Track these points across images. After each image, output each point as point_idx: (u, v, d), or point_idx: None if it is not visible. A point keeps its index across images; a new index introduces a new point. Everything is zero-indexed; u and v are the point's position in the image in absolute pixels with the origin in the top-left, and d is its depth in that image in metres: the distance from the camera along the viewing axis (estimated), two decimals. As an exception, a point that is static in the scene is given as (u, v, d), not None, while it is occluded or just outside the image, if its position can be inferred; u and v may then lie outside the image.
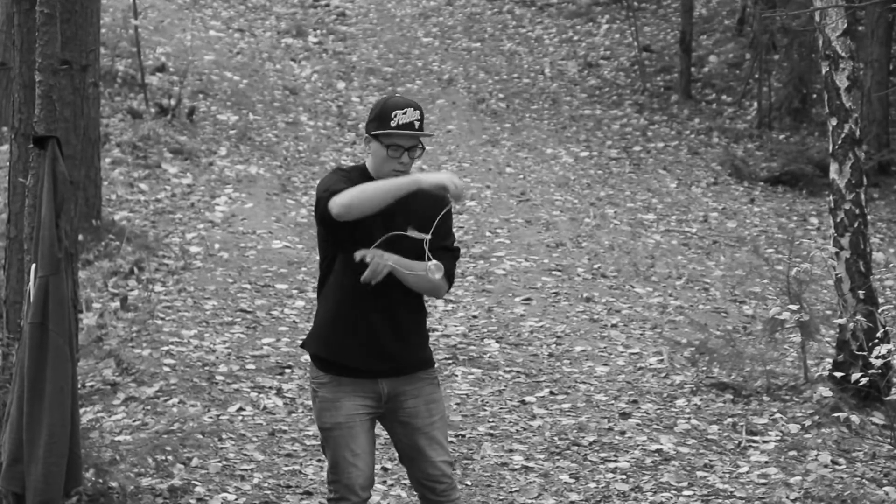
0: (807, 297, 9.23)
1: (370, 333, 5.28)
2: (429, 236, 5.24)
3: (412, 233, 5.24)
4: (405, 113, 5.24)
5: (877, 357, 7.31)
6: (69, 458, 5.59)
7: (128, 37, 17.21)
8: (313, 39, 21.57)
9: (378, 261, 5.16)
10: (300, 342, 6.18)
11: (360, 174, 5.31)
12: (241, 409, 8.36)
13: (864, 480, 7.45)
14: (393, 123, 5.23)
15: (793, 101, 18.04)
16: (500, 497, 7.27)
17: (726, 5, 22.29)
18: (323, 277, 5.38)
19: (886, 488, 7.32)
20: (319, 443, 5.51)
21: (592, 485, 7.42)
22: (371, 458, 5.37)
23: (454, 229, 5.52)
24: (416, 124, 5.25)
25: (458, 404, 8.66)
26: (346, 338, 5.29)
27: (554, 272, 12.03)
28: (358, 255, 5.15)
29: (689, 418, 8.51)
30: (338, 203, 5.08)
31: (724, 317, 10.99)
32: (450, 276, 5.34)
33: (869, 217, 8.94)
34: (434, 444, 5.39)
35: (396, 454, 5.55)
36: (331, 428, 5.33)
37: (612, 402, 8.84)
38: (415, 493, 5.70)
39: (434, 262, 5.19)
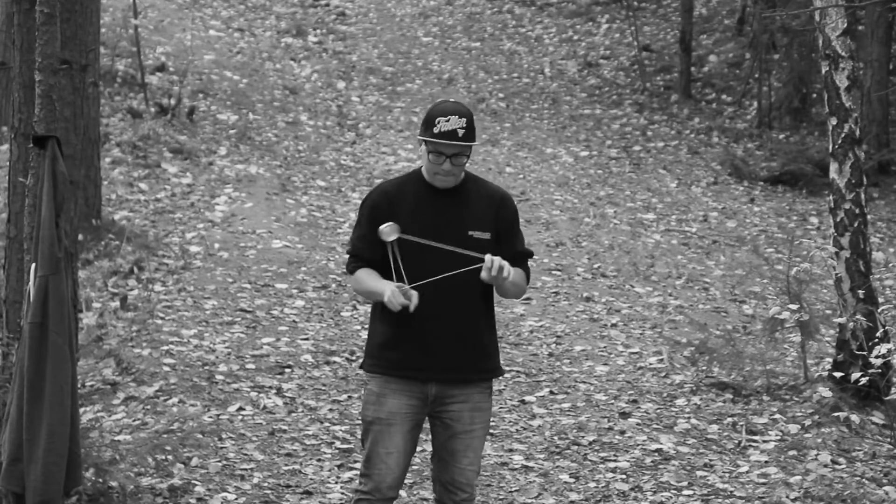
0: (807, 296, 9.23)
1: (427, 339, 5.29)
2: (487, 234, 5.30)
3: (475, 233, 5.30)
4: (448, 120, 5.25)
5: (877, 357, 7.31)
6: (69, 457, 5.59)
7: (128, 36, 17.21)
8: (313, 39, 21.56)
9: (493, 260, 5.21)
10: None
11: (415, 180, 5.38)
12: (240, 408, 8.36)
13: (863, 480, 7.46)
14: (436, 130, 5.25)
15: (793, 101, 18.03)
16: (500, 497, 7.27)
17: (726, 5, 22.28)
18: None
19: (886, 488, 7.32)
20: (360, 434, 5.55)
21: (592, 484, 7.42)
22: (405, 459, 5.39)
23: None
24: (460, 132, 5.25)
25: (457, 404, 8.66)
26: (401, 346, 5.32)
27: (554, 272, 12.03)
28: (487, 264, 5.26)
29: (689, 418, 8.51)
30: (353, 288, 5.57)
31: (724, 316, 10.99)
32: (527, 276, 5.45)
33: (869, 217, 8.94)
34: (469, 451, 5.41)
35: (427, 453, 5.58)
36: (371, 421, 5.37)
37: (612, 401, 8.84)
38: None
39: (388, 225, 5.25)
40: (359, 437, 5.54)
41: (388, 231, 5.26)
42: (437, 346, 5.29)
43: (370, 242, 5.32)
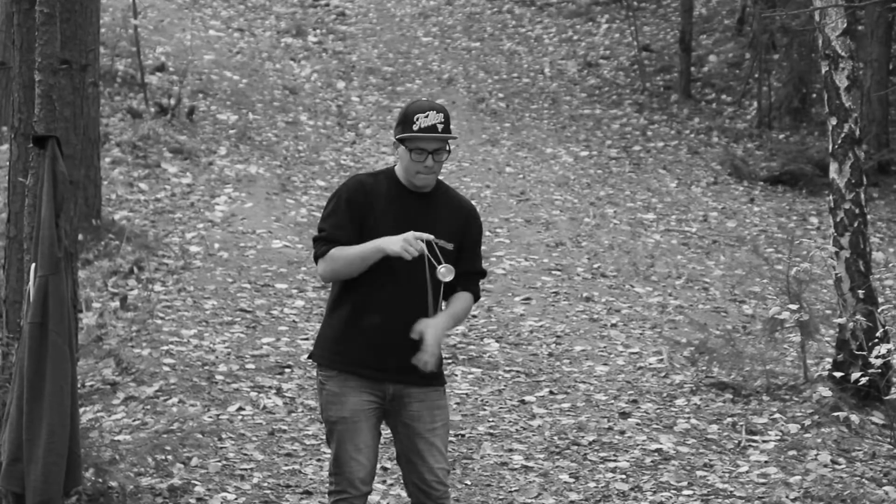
0: (806, 296, 9.23)
1: (384, 341, 5.30)
2: (450, 245, 5.31)
3: (441, 242, 5.29)
4: (427, 116, 5.26)
5: (876, 357, 7.31)
6: (69, 457, 5.59)
7: (127, 36, 17.21)
8: (313, 39, 21.56)
9: (435, 352, 5.28)
10: (306, 350, 6.17)
11: (387, 180, 5.36)
12: (240, 408, 8.36)
13: (863, 480, 7.46)
14: (415, 127, 5.26)
15: (792, 101, 18.03)
16: (500, 497, 7.27)
17: (726, 5, 22.28)
18: (341, 289, 5.39)
19: (886, 488, 7.32)
20: (324, 434, 5.53)
21: (592, 484, 7.42)
22: (374, 452, 5.40)
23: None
24: (440, 127, 5.27)
25: (457, 404, 8.66)
26: (358, 340, 5.31)
27: (554, 272, 12.03)
28: (415, 334, 5.26)
29: (689, 418, 8.51)
30: (321, 273, 5.35)
31: (724, 316, 10.99)
32: (475, 296, 5.47)
33: (869, 217, 8.94)
34: (433, 450, 5.40)
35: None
36: (335, 422, 5.36)
37: (612, 401, 8.84)
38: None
39: (444, 266, 5.23)
40: (325, 437, 5.52)
41: (445, 272, 5.26)
42: (393, 347, 5.29)
43: (350, 233, 5.27)
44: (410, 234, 5.19)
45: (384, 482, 7.33)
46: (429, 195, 5.38)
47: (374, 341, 5.30)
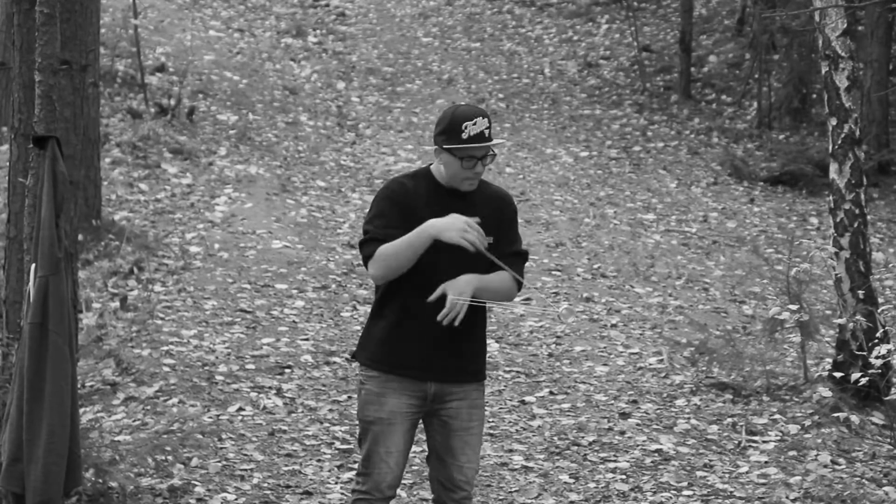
0: (806, 297, 9.23)
1: (428, 342, 5.27)
2: (489, 239, 5.28)
3: (486, 240, 5.28)
4: (475, 123, 5.22)
5: (876, 357, 7.31)
6: (69, 457, 5.59)
7: (127, 37, 17.21)
8: (313, 39, 21.57)
9: (456, 301, 5.20)
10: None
11: (426, 180, 5.33)
12: (240, 409, 8.36)
13: (863, 480, 7.46)
14: (464, 136, 5.22)
15: (792, 101, 18.03)
16: (500, 497, 7.27)
17: (726, 5, 22.29)
18: (386, 289, 5.35)
19: (886, 488, 7.32)
20: (357, 434, 5.52)
21: (592, 485, 7.42)
22: (404, 459, 5.38)
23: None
24: (487, 133, 5.24)
25: (457, 404, 8.66)
26: (403, 342, 5.29)
27: (554, 272, 12.03)
28: (435, 295, 5.20)
29: (689, 418, 8.51)
30: (373, 275, 5.25)
31: (724, 317, 10.99)
32: (519, 280, 5.42)
33: (869, 217, 8.94)
34: (467, 448, 5.39)
35: (426, 451, 5.56)
36: (372, 421, 5.34)
37: (612, 402, 8.84)
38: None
39: (564, 308, 5.20)
40: (358, 437, 5.51)
41: (566, 314, 5.24)
42: (439, 344, 5.28)
43: (399, 233, 5.22)
44: (462, 221, 5.13)
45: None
46: (468, 193, 5.35)
47: (419, 342, 5.28)
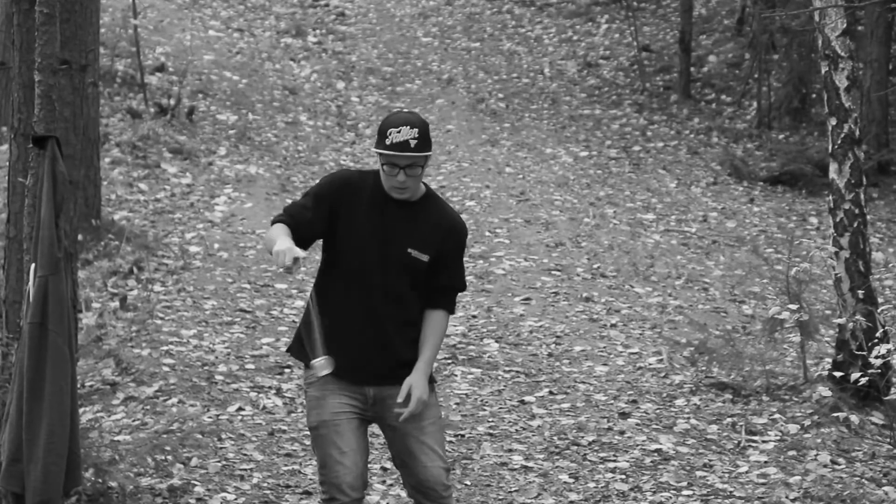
0: (806, 296, 9.23)
1: (359, 345, 5.26)
2: (424, 257, 5.25)
3: (415, 253, 5.25)
4: (399, 131, 5.15)
5: (876, 357, 7.31)
6: (69, 457, 5.59)
7: (127, 36, 17.21)
8: (313, 39, 21.56)
9: (420, 402, 5.24)
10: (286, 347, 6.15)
11: (373, 182, 5.31)
12: (240, 408, 8.36)
13: (863, 480, 7.46)
14: (387, 142, 5.17)
15: (792, 101, 18.03)
16: (500, 497, 7.27)
17: (726, 5, 22.29)
18: (320, 282, 5.36)
19: (886, 488, 7.32)
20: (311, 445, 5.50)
21: (592, 484, 7.42)
22: (360, 457, 5.30)
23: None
24: (412, 143, 5.15)
25: (457, 404, 8.67)
26: (336, 348, 5.22)
27: (553, 272, 12.03)
28: (401, 397, 5.23)
29: (689, 418, 8.51)
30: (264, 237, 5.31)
31: (724, 317, 10.99)
32: (450, 312, 5.41)
33: (868, 217, 8.94)
34: (426, 449, 5.33)
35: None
36: (317, 426, 5.30)
37: (612, 401, 8.84)
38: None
39: (321, 359, 5.16)
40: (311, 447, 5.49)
41: (323, 365, 5.19)
42: (371, 349, 5.26)
43: (311, 218, 5.21)
44: (285, 257, 4.99)
45: (384, 482, 7.33)
46: (412, 204, 5.30)
47: (351, 348, 5.25)
